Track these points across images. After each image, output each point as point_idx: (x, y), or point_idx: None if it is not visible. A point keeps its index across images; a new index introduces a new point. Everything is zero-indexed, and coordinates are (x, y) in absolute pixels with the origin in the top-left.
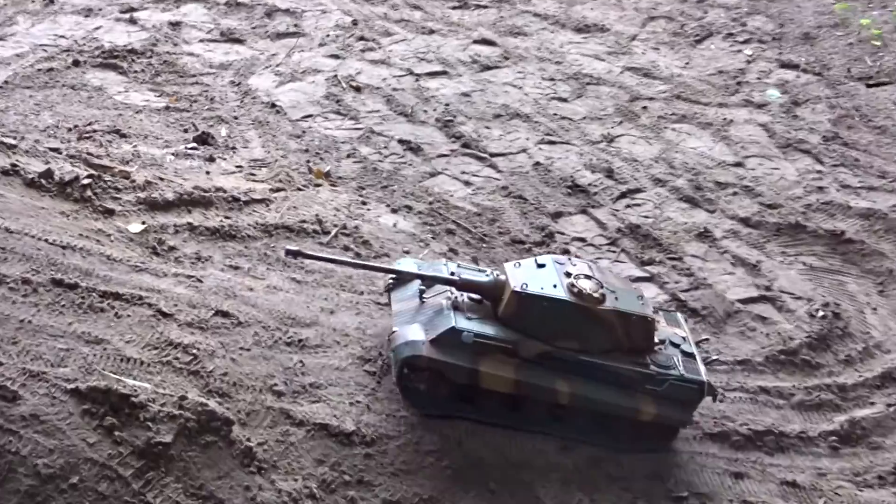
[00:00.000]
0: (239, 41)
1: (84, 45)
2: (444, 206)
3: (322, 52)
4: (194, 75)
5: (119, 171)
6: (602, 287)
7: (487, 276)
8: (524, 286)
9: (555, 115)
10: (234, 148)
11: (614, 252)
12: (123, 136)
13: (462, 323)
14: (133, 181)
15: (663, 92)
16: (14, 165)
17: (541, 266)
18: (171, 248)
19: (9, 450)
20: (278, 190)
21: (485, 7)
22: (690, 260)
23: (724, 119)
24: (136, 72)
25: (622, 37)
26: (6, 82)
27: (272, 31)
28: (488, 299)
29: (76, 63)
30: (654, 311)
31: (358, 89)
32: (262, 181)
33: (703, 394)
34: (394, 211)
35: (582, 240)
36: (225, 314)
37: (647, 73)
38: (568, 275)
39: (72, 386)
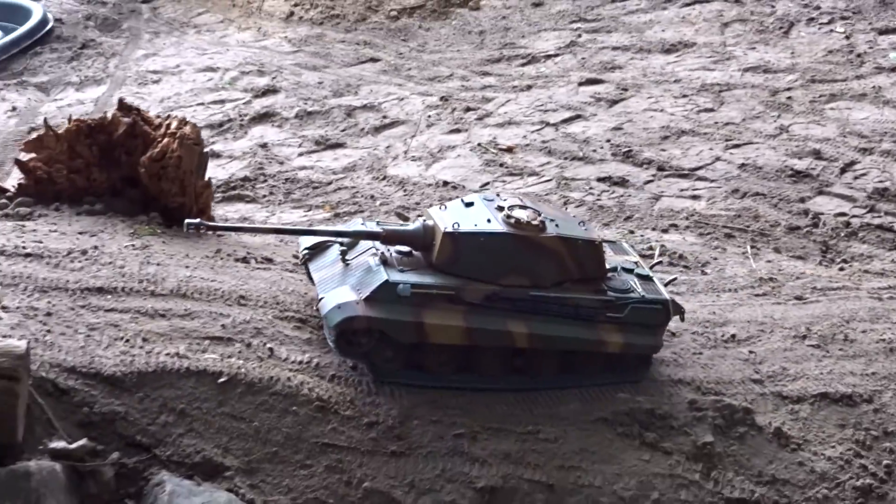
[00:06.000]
0: (340, 145)
1: None
2: (703, 218)
3: (438, 131)
4: (329, 183)
5: None
6: (540, 215)
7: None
8: (456, 226)
9: (715, 123)
10: None
11: (879, 216)
12: None
13: (395, 276)
14: None
15: (795, 80)
16: None
17: (469, 205)
18: None
19: (582, 483)
20: None
21: (555, 56)
22: None
23: (872, 87)
24: (265, 196)
25: (713, 46)
26: None
27: (367, 128)
28: (419, 249)
29: None
30: None
31: (510, 150)
32: None
33: (669, 314)
34: (664, 231)
35: (843, 214)
36: None
37: (766, 69)
38: (500, 209)
39: (595, 416)
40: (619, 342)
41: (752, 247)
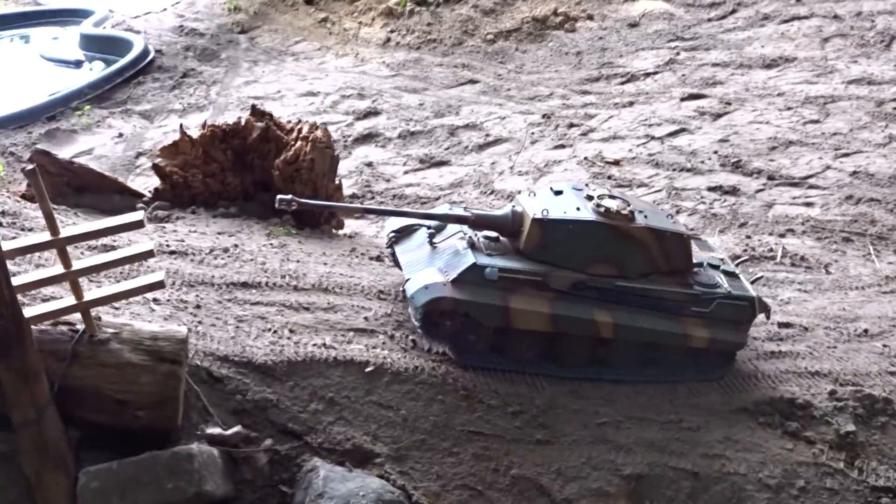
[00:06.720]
0: (445, 163)
1: None
2: (819, 223)
3: (543, 147)
4: (437, 198)
5: None
6: (629, 205)
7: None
8: (545, 212)
9: (822, 134)
10: None
11: None
12: None
13: (483, 260)
14: None
15: None
16: None
17: (558, 193)
18: None
19: (727, 471)
20: None
21: (655, 73)
22: None
23: None
24: None
25: (814, 60)
26: None
27: (471, 146)
28: (506, 235)
29: None
30: None
31: (616, 163)
32: None
33: (754, 310)
34: (780, 236)
35: None
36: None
37: (870, 81)
38: (590, 198)
39: (736, 406)
40: (704, 337)
41: (873, 248)
